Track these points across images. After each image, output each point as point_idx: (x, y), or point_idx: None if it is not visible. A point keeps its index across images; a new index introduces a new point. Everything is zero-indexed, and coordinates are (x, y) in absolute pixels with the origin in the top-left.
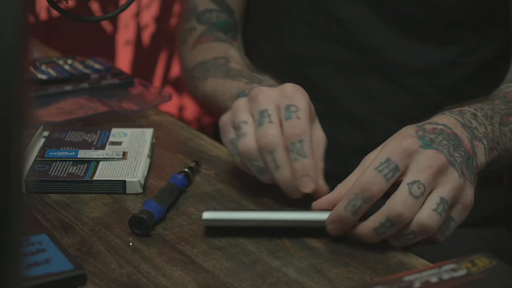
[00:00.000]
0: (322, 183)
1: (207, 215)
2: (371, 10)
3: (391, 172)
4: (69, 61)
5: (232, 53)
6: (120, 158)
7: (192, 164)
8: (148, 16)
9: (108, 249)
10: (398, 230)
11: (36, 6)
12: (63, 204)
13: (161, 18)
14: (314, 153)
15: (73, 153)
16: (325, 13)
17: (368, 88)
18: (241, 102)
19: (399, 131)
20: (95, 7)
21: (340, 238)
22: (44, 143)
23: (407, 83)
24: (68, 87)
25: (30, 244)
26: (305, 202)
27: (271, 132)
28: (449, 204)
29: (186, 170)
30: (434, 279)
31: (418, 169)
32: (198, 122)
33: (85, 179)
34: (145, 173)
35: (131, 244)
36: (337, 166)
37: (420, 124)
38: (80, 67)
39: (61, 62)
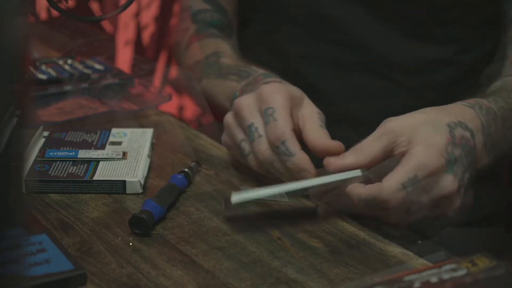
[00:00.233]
0: (332, 143)
1: (235, 197)
2: (366, 9)
3: (414, 189)
4: (69, 61)
5: (223, 47)
6: (120, 158)
7: (192, 164)
8: (148, 16)
9: (108, 249)
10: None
11: (36, 6)
12: (63, 204)
13: (161, 18)
14: (309, 129)
15: (73, 153)
16: (319, 12)
17: (363, 86)
18: (230, 120)
19: (433, 132)
20: (95, 7)
21: (340, 238)
22: (44, 143)
23: (401, 81)
24: (68, 87)
25: (30, 244)
26: None
27: (264, 147)
28: (423, 185)
29: (186, 170)
30: (434, 279)
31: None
32: (198, 122)
33: (85, 179)
34: (145, 173)
35: (131, 244)
36: None
37: (453, 122)
38: (80, 67)
39: (61, 62)
